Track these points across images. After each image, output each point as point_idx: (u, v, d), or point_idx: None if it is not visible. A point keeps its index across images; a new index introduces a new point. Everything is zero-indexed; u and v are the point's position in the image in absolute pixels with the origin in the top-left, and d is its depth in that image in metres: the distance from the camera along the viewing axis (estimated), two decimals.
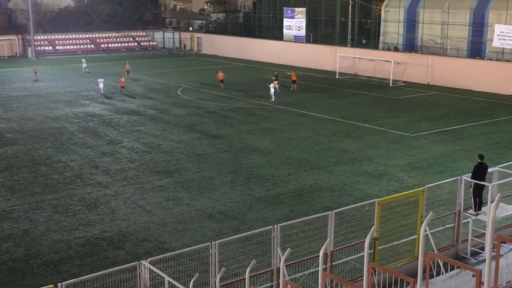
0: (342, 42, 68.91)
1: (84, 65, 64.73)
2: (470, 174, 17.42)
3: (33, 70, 61.07)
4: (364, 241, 12.01)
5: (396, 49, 63.88)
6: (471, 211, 17.42)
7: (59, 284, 11.40)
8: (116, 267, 13.01)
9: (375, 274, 13.75)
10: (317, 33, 72.83)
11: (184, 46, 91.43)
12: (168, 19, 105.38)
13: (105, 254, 19.40)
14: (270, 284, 14.79)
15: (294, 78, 53.56)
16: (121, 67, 69.08)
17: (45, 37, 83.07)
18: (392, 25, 65.01)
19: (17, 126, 38.08)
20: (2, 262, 18.80)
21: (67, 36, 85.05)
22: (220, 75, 53.91)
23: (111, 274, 12.59)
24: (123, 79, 51.31)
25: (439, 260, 13.68)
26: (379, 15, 67.38)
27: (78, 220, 22.28)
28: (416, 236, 16.56)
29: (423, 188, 16.50)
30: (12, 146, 33.27)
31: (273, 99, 47.02)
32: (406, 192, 18.85)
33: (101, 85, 50.62)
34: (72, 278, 13.37)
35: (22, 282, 17.49)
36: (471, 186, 17.23)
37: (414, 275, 11.64)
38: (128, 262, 16.14)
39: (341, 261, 16.02)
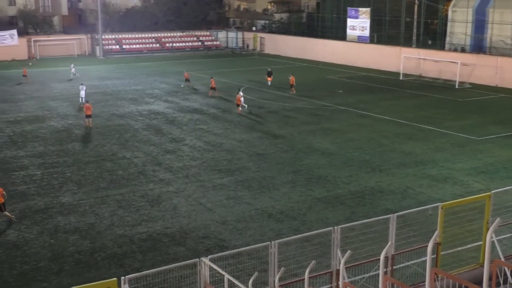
0: (407, 43, 67.66)
1: (73, 70, 60.91)
2: None
3: (23, 72, 58.95)
4: (427, 246, 11.75)
5: (463, 50, 62.17)
6: None
7: (122, 277, 11.66)
8: (177, 263, 13.20)
9: (437, 280, 13.41)
10: (381, 33, 71.78)
11: (247, 46, 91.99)
12: (231, 19, 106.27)
13: (167, 250, 19.75)
14: (329, 285, 14.66)
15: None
16: (185, 66, 70.24)
17: (113, 36, 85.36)
18: (459, 25, 63.30)
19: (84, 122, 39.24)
20: (69, 254, 19.45)
21: (133, 36, 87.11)
22: (212, 81, 50.61)
23: (172, 270, 12.78)
24: (239, 96, 43.09)
25: (506, 268, 13.21)
26: (446, 15, 65.75)
27: (141, 216, 22.77)
28: (481, 243, 16.05)
29: (489, 193, 15.95)
30: (80, 142, 34.37)
31: (245, 108, 43.01)
32: (472, 197, 18.31)
33: (82, 93, 45.70)
34: (135, 272, 13.68)
35: (88, 274, 18.02)
36: None
37: (479, 283, 11.30)
38: (189, 258, 16.35)
39: (402, 265, 15.71)
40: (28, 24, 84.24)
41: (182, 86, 54.51)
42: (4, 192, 22.68)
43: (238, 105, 42.01)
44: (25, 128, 37.88)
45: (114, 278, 11.67)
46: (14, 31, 77.50)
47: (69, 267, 18.59)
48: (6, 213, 22.32)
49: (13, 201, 24.31)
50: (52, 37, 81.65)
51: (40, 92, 52.10)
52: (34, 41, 78.79)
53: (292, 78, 51.62)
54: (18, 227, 21.70)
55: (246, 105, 43.33)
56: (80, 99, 45.85)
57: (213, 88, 49.91)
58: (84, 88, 46.43)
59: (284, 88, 52.71)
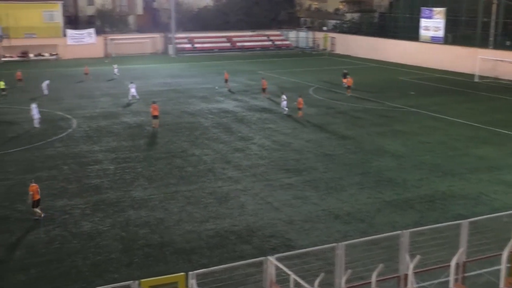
0: (483, 44, 65.45)
1: (115, 70, 61.84)
2: None
3: (85, 70, 60.70)
4: (501, 254, 11.35)
5: None
6: None
7: (190, 272, 11.88)
8: (243, 260, 13.32)
9: None
10: (456, 34, 69.76)
11: (318, 45, 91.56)
12: (302, 18, 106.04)
13: (233, 247, 19.94)
14: None
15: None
16: (255, 66, 70.73)
17: (185, 35, 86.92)
18: None
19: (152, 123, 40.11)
20: (139, 247, 19.97)
21: (205, 35, 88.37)
22: (264, 82, 50.46)
23: (238, 268, 12.90)
24: (300, 100, 41.09)
25: None
26: None
27: (209, 213, 23.10)
28: None
29: None
30: (151, 138, 35.21)
31: (285, 112, 41.77)
32: None
33: (132, 91, 47.70)
34: (202, 268, 13.89)
35: (156, 268, 18.44)
36: None
37: None
38: (255, 256, 16.46)
39: (473, 273, 15.26)
40: (105, 23, 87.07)
41: (217, 88, 54.00)
42: (38, 189, 22.49)
43: (299, 109, 41.49)
44: (100, 123, 39.18)
45: (182, 273, 11.90)
46: (92, 30, 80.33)
47: (139, 260, 19.09)
48: (37, 209, 22.34)
49: (88, 193, 25.23)
50: (127, 36, 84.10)
51: (114, 89, 53.75)
52: (110, 39, 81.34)
53: (350, 80, 51.02)
54: (92, 219, 22.47)
55: (287, 108, 42.01)
56: (130, 96, 47.74)
57: (264, 89, 49.91)
58: (134, 86, 48.27)
59: (356, 89, 52.06)
